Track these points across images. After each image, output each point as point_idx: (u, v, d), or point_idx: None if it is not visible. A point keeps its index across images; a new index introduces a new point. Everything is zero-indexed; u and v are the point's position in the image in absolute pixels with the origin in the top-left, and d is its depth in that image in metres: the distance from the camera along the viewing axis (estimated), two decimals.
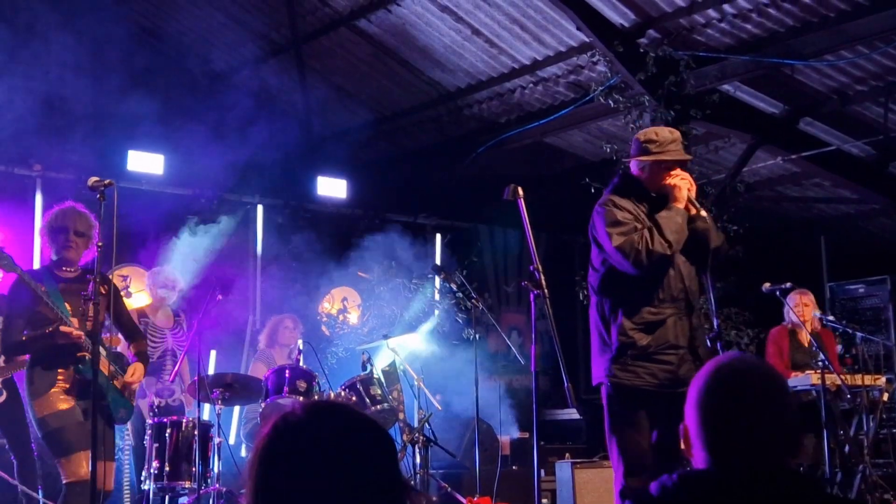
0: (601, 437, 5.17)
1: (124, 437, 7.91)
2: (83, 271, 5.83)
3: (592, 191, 9.14)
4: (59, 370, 5.56)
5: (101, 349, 5.61)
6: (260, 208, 10.94)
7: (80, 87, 10.13)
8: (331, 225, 10.97)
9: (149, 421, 7.24)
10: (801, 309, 8.44)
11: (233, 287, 7.76)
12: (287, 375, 7.31)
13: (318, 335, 10.23)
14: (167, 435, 7.10)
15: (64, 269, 5.75)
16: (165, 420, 7.16)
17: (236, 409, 9.13)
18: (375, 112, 11.53)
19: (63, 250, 5.72)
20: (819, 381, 7.77)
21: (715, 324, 5.11)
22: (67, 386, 5.57)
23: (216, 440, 7.24)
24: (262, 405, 7.35)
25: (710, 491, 2.16)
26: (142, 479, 7.03)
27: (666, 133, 5.16)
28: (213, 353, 9.59)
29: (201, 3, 10.43)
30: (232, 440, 8.96)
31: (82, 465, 5.38)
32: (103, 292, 5.72)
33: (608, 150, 9.27)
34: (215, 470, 7.21)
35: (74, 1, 10.46)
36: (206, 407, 7.82)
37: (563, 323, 5.42)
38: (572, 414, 10.87)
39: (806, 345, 8.51)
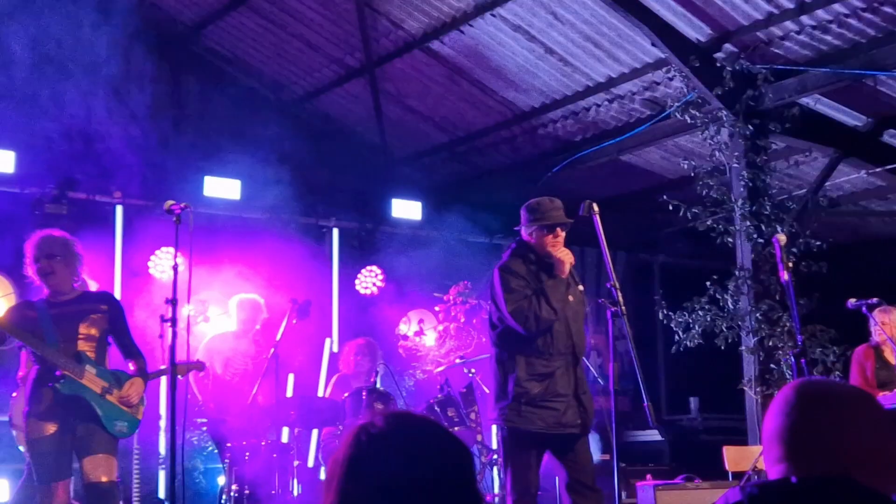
0: (684, 458, 5.21)
1: (157, 457, 7.92)
2: (82, 294, 5.98)
3: (671, 207, 9.03)
4: (45, 391, 5.67)
5: (90, 367, 5.77)
6: (336, 231, 10.99)
7: (160, 118, 10.31)
8: (406, 247, 10.97)
9: (228, 444, 7.30)
10: (888, 327, 8.21)
11: (309, 310, 7.77)
12: (364, 397, 7.31)
13: (395, 357, 10.22)
14: (246, 457, 7.14)
15: (60, 296, 5.88)
16: (244, 442, 7.20)
17: (314, 431, 9.14)
18: (449, 133, 11.53)
19: (45, 278, 5.84)
20: None
21: (798, 340, 5.06)
22: (42, 409, 5.68)
23: (295, 463, 7.25)
24: (340, 427, 7.35)
25: (790, 498, 2.10)
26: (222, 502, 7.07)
27: (546, 202, 5.93)
28: (290, 377, 9.63)
29: (277, 29, 10.53)
30: (310, 463, 8.97)
31: (58, 495, 5.57)
32: (103, 310, 5.94)
33: (685, 166, 9.13)
34: (294, 493, 7.22)
35: (155, 32, 10.67)
36: (285, 430, 7.87)
37: (644, 342, 5.50)
38: (654, 435, 10.72)
39: (892, 363, 8.27)
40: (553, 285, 5.73)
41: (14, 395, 6.85)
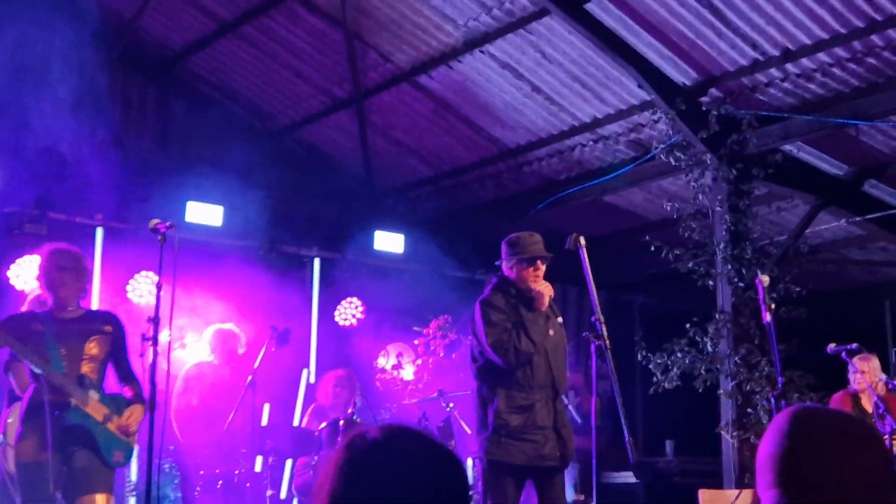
0: (659, 500, 5.25)
1: (126, 483, 7.81)
2: (87, 313, 5.87)
3: (653, 248, 9.05)
4: (42, 418, 5.46)
5: (93, 392, 5.63)
6: (317, 261, 10.96)
7: (144, 141, 10.31)
8: (387, 279, 10.96)
9: (201, 472, 7.23)
10: (868, 375, 8.24)
11: (289, 338, 7.73)
12: (341, 428, 7.26)
13: (372, 390, 10.18)
14: (218, 486, 7.08)
15: (66, 311, 5.76)
16: (217, 471, 7.14)
17: (288, 462, 9.06)
18: (435, 167, 11.56)
19: (54, 289, 5.74)
20: None
21: (779, 381, 5.10)
22: (39, 434, 5.47)
23: (268, 492, 7.19)
24: (315, 458, 7.29)
25: None
26: None
27: (526, 236, 6.08)
28: (266, 406, 9.56)
29: (265, 58, 10.55)
30: (283, 494, 8.88)
31: None
32: (108, 331, 5.81)
33: (668, 208, 9.16)
34: None
35: (142, 56, 10.68)
36: (258, 459, 7.80)
37: (622, 383, 5.54)
38: (629, 478, 10.67)
39: (870, 410, 8.29)
40: (532, 318, 5.83)
41: (7, 409, 6.57)
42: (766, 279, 6.05)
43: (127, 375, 5.93)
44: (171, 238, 5.18)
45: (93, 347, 5.73)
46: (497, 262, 6.18)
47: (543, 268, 5.97)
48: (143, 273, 9.37)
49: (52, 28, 9.25)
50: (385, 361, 10.78)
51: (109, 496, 5.58)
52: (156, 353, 5.08)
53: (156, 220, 5.25)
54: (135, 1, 10.18)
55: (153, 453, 4.97)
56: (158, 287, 5.27)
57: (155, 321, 5.12)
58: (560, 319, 6.09)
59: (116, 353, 5.88)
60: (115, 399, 5.81)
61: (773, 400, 5.39)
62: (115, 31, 10.53)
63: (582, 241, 5.55)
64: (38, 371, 5.45)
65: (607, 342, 5.12)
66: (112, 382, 5.94)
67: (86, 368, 5.68)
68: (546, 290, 5.91)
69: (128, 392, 5.87)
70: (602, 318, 5.19)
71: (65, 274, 5.72)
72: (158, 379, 5.17)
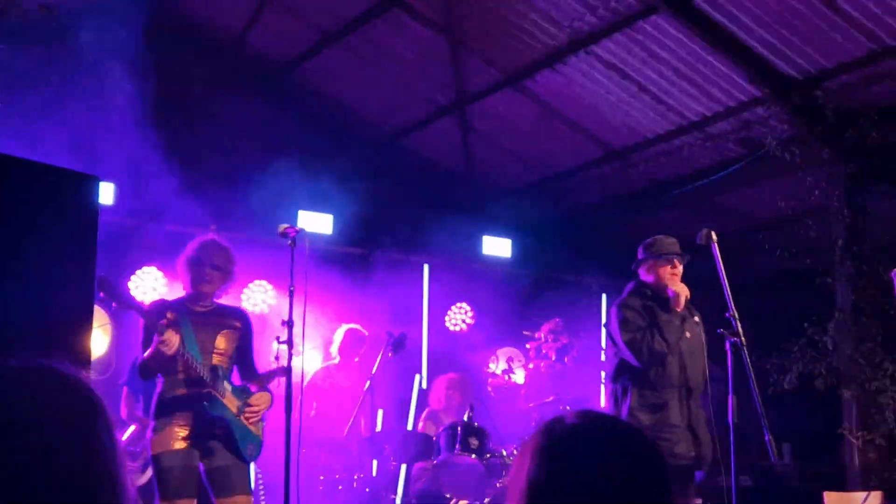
0: None
1: (257, 475, 7.82)
2: (218, 307, 5.81)
3: (767, 247, 8.87)
4: (182, 408, 5.43)
5: (227, 384, 5.58)
6: (426, 267, 11.00)
7: (253, 153, 10.46)
8: (497, 284, 10.94)
9: (321, 477, 7.29)
10: None
11: (405, 343, 7.76)
12: (459, 432, 7.26)
13: (484, 395, 10.16)
14: (339, 490, 7.13)
15: (199, 303, 5.72)
16: (337, 476, 7.19)
17: (403, 466, 9.09)
18: (539, 172, 11.50)
19: (199, 283, 5.68)
20: None
21: None
22: (188, 426, 5.44)
23: (389, 496, 7.22)
24: (434, 462, 7.30)
25: None
26: None
27: (663, 237, 6.29)
28: (380, 412, 9.61)
29: (368, 67, 10.62)
30: (398, 501, 8.91)
31: None
32: (238, 326, 5.78)
33: (783, 205, 8.96)
34: None
35: (249, 69, 10.85)
36: (374, 463, 7.84)
37: (736, 386, 5.49)
38: (745, 481, 10.47)
39: None
40: (668, 320, 5.94)
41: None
42: None
43: (252, 371, 5.91)
44: (300, 242, 5.22)
45: (223, 342, 5.71)
46: (633, 266, 6.26)
47: (681, 268, 6.10)
48: (257, 282, 9.50)
49: (165, 48, 9.48)
50: (496, 366, 10.77)
51: (249, 497, 5.56)
52: (290, 356, 5.11)
53: (284, 225, 5.30)
54: (242, 16, 10.34)
55: (290, 457, 4.99)
56: (291, 291, 5.30)
57: (289, 324, 5.17)
58: (697, 320, 6.13)
59: (243, 348, 5.85)
60: (244, 391, 5.77)
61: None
62: (225, 46, 10.72)
63: (714, 236, 5.57)
64: (187, 359, 5.38)
65: (743, 339, 5.07)
66: (235, 378, 5.91)
67: (217, 361, 5.65)
68: (682, 290, 6.00)
69: (253, 387, 5.84)
70: (737, 315, 5.16)
71: (216, 273, 5.70)
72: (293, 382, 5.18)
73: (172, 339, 5.25)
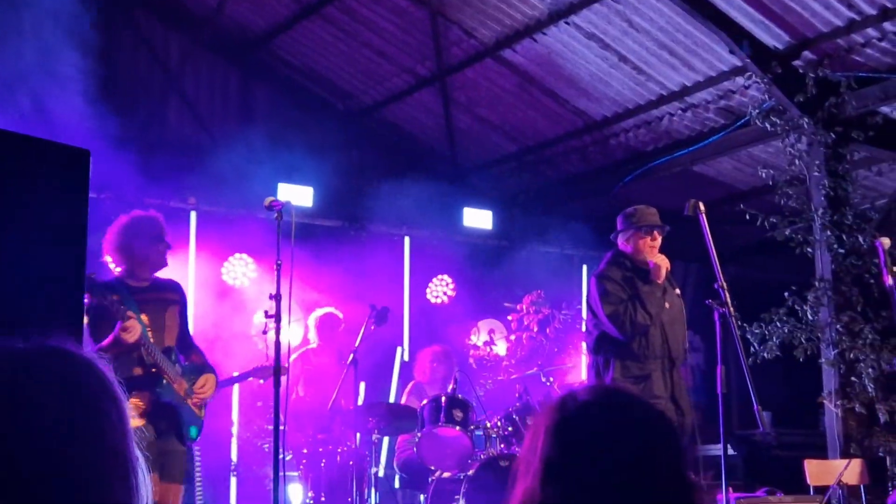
0: (758, 473, 5.26)
1: (195, 458, 7.76)
2: (155, 280, 5.54)
3: (748, 217, 8.88)
4: (137, 388, 5.18)
5: (178, 366, 5.41)
6: (407, 240, 10.98)
7: (230, 125, 10.39)
8: (477, 256, 10.93)
9: (304, 450, 7.28)
10: None
11: (388, 316, 7.74)
12: (443, 405, 7.26)
13: (466, 367, 10.18)
14: (322, 465, 7.13)
15: (139, 279, 5.47)
16: (321, 449, 7.18)
17: (386, 439, 9.10)
18: (520, 142, 11.47)
19: (152, 262, 5.46)
20: None
21: None
22: (143, 405, 5.23)
23: (371, 470, 7.22)
24: (418, 434, 7.30)
25: None
26: None
27: (643, 207, 6.33)
28: (362, 385, 9.61)
29: (348, 38, 10.54)
30: (381, 472, 8.91)
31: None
32: (178, 300, 5.58)
33: (764, 175, 8.96)
34: (372, 500, 7.18)
35: (225, 41, 10.75)
36: (358, 436, 7.84)
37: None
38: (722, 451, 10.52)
39: None
40: (649, 291, 5.99)
41: None
42: (886, 242, 5.89)
43: (189, 343, 5.73)
44: (286, 214, 5.17)
45: (171, 318, 5.52)
46: (612, 236, 6.25)
47: (660, 239, 6.10)
48: (237, 255, 9.46)
49: (135, 21, 9.36)
50: (477, 338, 10.78)
51: (181, 487, 5.44)
52: (278, 330, 5.08)
53: (270, 198, 5.25)
54: None
55: (279, 437, 4.97)
56: (278, 265, 5.26)
57: (277, 298, 5.13)
58: (678, 291, 6.20)
59: (183, 323, 5.68)
60: (192, 370, 5.59)
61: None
62: (199, 16, 10.61)
63: (701, 206, 5.59)
64: (146, 348, 5.21)
65: (731, 309, 5.09)
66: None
67: (168, 342, 5.47)
68: (663, 262, 6.03)
69: (196, 358, 5.67)
70: (725, 285, 5.19)
71: (168, 249, 5.55)
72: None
73: (135, 327, 5.08)
